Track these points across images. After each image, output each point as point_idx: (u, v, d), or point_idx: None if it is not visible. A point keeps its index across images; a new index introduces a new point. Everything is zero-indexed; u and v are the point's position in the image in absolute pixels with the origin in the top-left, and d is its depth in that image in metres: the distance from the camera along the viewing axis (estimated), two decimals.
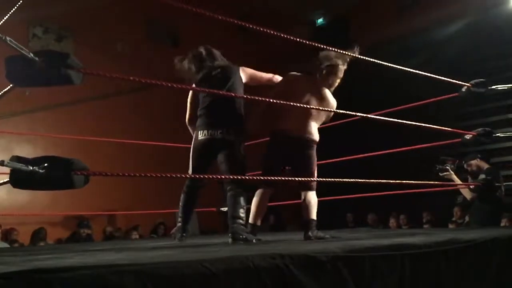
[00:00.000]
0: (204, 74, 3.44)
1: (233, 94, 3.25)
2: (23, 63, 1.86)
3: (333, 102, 3.50)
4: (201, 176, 3.34)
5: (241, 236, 3.12)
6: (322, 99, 3.44)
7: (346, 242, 2.58)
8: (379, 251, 2.16)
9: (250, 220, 3.40)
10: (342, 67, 3.48)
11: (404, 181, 3.35)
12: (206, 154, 3.42)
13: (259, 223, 3.43)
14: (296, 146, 3.35)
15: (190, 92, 3.63)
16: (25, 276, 1.33)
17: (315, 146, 3.44)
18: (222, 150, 3.35)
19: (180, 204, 3.46)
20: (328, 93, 3.49)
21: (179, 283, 1.52)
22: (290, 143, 3.34)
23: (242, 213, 3.25)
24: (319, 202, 3.43)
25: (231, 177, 3.18)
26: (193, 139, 3.48)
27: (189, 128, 3.62)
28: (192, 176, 3.34)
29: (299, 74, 3.59)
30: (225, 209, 5.10)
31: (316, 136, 3.43)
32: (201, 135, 3.39)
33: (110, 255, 2.25)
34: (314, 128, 3.42)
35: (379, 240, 2.54)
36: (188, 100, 3.63)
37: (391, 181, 3.25)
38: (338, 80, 3.53)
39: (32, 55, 1.84)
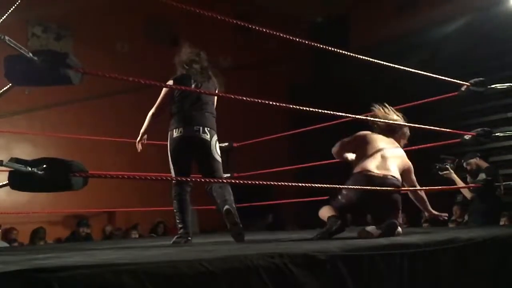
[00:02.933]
0: (185, 75, 3.52)
1: (230, 95, 3.25)
2: (22, 62, 1.87)
3: (408, 160, 3.39)
4: (188, 179, 3.32)
5: (236, 220, 3.16)
6: (396, 148, 3.37)
7: (345, 241, 2.58)
8: (378, 250, 2.16)
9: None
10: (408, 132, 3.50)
11: (404, 189, 3.35)
12: (184, 153, 3.43)
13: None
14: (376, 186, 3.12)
15: (165, 88, 3.61)
16: (25, 276, 1.33)
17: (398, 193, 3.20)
18: (198, 149, 3.41)
19: (175, 211, 3.43)
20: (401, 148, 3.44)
21: (178, 282, 1.52)
22: (369, 183, 3.09)
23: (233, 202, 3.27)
24: (318, 201, 3.42)
25: (221, 180, 3.20)
26: (169, 140, 3.47)
27: (148, 120, 3.61)
28: (180, 179, 3.30)
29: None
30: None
31: (398, 178, 3.20)
32: (176, 133, 3.41)
33: (109, 254, 2.25)
34: (396, 172, 3.23)
35: (378, 239, 2.55)
36: (162, 94, 3.59)
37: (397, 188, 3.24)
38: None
39: (31, 54, 1.84)
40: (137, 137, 3.70)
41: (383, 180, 3.09)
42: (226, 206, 3.13)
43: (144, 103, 3.81)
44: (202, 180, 3.36)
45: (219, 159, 3.46)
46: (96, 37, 8.51)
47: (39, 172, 1.74)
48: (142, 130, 3.65)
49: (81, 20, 8.46)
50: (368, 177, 3.09)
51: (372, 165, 3.17)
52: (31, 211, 6.81)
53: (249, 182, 2.81)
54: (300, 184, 2.60)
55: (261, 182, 2.90)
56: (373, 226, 2.94)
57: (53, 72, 1.86)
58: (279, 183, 2.53)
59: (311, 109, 3.08)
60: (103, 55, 8.20)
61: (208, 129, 3.44)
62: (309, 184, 2.59)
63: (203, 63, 3.60)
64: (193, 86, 3.50)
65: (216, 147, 3.45)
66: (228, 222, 3.15)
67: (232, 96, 3.04)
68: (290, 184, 2.61)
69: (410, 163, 3.40)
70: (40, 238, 6.97)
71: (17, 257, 2.26)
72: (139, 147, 3.69)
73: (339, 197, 3.16)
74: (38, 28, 8.26)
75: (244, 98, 2.98)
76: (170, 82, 3.55)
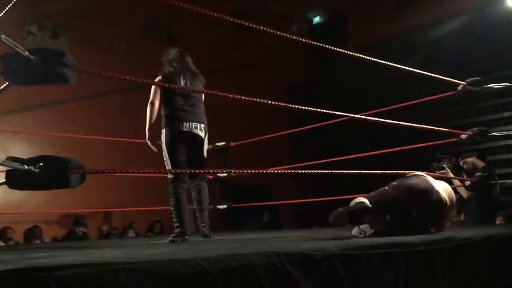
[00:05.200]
0: (173, 72, 3.57)
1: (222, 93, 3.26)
2: (18, 61, 1.86)
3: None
4: (192, 172, 3.41)
5: (207, 233, 3.47)
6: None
7: (342, 240, 2.58)
8: (375, 249, 2.17)
9: None
10: None
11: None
12: (182, 148, 3.48)
13: None
14: None
15: (159, 82, 3.62)
16: (21, 275, 1.33)
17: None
18: (193, 145, 3.50)
19: (172, 209, 3.44)
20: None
21: (174, 282, 1.52)
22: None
23: None
24: (317, 202, 3.43)
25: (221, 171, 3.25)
26: (165, 135, 3.49)
27: (149, 112, 3.57)
28: (179, 171, 3.39)
29: None
30: (221, 206, 5.12)
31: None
32: (175, 128, 3.46)
33: (106, 253, 2.25)
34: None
35: (375, 238, 2.55)
36: (154, 87, 3.60)
37: (389, 171, 3.24)
38: None
39: (27, 53, 1.83)
40: (133, 135, 3.72)
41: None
42: (202, 229, 3.48)
43: (141, 102, 3.80)
44: (197, 172, 3.42)
45: (206, 156, 3.61)
46: (93, 36, 8.48)
47: (36, 170, 1.74)
48: (147, 127, 3.60)
49: (77, 18, 8.43)
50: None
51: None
52: (28, 211, 6.79)
53: (247, 171, 2.81)
54: (294, 171, 2.60)
55: (256, 171, 2.89)
56: (367, 225, 2.93)
57: (50, 71, 1.86)
58: (274, 171, 2.53)
59: (308, 108, 3.08)
60: (99, 54, 8.17)
61: (203, 126, 3.55)
62: (304, 171, 2.59)
63: (189, 61, 3.69)
64: (182, 82, 3.57)
65: (206, 145, 3.59)
66: (201, 235, 3.49)
67: (231, 96, 3.03)
68: (285, 171, 2.61)
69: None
70: (36, 237, 6.94)
71: (13, 256, 2.25)
72: (153, 147, 3.60)
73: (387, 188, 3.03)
74: (35, 26, 8.23)
75: (243, 98, 2.98)
76: (159, 78, 3.61)
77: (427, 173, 3.25)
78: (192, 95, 3.54)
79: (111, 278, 1.40)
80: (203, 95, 3.69)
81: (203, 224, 3.44)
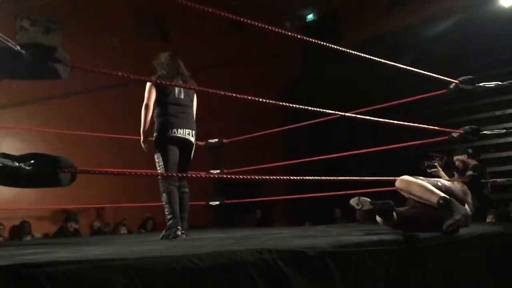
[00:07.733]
0: (166, 76, 3.59)
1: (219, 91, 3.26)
2: (10, 55, 1.84)
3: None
4: (183, 175, 3.45)
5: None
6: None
7: (334, 237, 2.59)
8: (367, 246, 2.18)
9: None
10: None
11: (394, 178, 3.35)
12: (176, 151, 3.56)
13: None
14: None
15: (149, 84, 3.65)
16: (11, 271, 1.32)
17: None
18: (185, 150, 3.61)
19: (164, 203, 3.48)
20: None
21: (166, 278, 1.52)
22: None
23: None
24: (308, 198, 3.43)
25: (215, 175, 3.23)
26: (159, 138, 3.55)
27: (144, 115, 3.60)
28: (174, 174, 3.45)
29: None
30: (214, 203, 5.12)
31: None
32: (170, 133, 3.53)
33: (97, 250, 2.24)
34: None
35: (367, 236, 2.56)
36: (148, 89, 3.61)
37: (383, 178, 3.25)
38: None
39: (18, 47, 1.82)
40: (126, 133, 3.72)
41: None
42: (184, 235, 3.48)
43: (133, 98, 3.79)
44: (193, 176, 3.44)
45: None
46: (85, 31, 8.43)
47: (27, 167, 1.72)
48: (142, 129, 3.65)
49: (70, 14, 8.38)
50: None
51: None
52: (19, 207, 6.75)
53: (237, 176, 2.81)
54: (284, 178, 2.60)
55: (247, 177, 2.90)
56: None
57: (41, 66, 1.84)
58: (264, 177, 2.53)
59: (298, 106, 3.08)
60: (92, 49, 8.12)
61: (194, 132, 3.66)
62: (294, 177, 2.58)
63: (181, 65, 3.72)
64: (176, 89, 3.62)
65: (193, 151, 3.71)
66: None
67: (223, 93, 3.03)
68: (275, 178, 2.60)
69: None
70: (25, 233, 6.90)
71: (3, 252, 2.24)
72: (145, 148, 3.69)
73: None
74: (27, 21, 8.16)
75: (234, 95, 2.97)
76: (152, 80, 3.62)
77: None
78: (185, 103, 3.64)
79: (103, 275, 1.39)
80: (195, 102, 3.79)
81: (183, 232, 3.51)
